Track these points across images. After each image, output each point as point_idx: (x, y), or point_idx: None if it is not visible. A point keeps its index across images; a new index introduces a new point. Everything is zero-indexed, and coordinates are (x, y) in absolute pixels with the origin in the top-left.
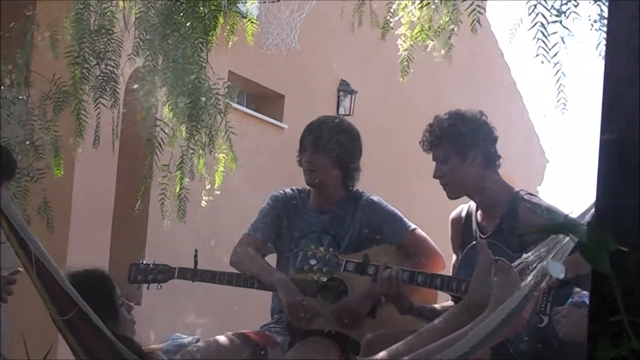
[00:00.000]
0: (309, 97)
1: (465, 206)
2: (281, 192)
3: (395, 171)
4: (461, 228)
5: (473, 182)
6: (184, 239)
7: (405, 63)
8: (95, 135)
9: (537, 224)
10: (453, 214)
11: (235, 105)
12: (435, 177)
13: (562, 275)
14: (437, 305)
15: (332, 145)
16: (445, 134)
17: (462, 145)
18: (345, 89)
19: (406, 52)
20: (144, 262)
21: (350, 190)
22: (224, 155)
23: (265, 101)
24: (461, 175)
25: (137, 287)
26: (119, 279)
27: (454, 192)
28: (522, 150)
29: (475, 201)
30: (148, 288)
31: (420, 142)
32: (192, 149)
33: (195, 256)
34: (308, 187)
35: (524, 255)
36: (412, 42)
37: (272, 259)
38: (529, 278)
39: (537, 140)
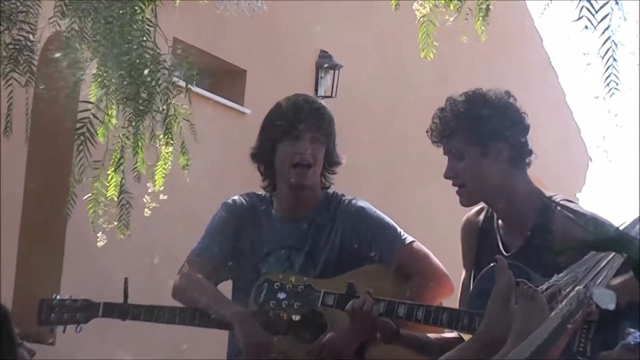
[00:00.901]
0: (279, 73)
1: (484, 208)
2: (236, 199)
3: (389, 169)
4: (476, 237)
5: (496, 184)
6: (116, 258)
7: (425, 34)
8: (7, 121)
9: (576, 238)
10: (467, 217)
11: (181, 82)
12: (446, 177)
13: (612, 306)
14: (432, 335)
15: (327, 133)
16: (462, 120)
17: (484, 136)
18: (326, 63)
19: (425, 20)
20: (58, 298)
21: (327, 193)
22: (169, 148)
23: (222, 78)
24: (481, 175)
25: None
26: (25, 311)
27: (469, 196)
28: (557, 145)
29: (496, 209)
30: (64, 331)
31: (427, 132)
32: (139, 140)
33: (126, 288)
34: (267, 193)
35: (555, 277)
36: (432, 5)
37: (227, 288)
38: (561, 306)
39: (576, 132)
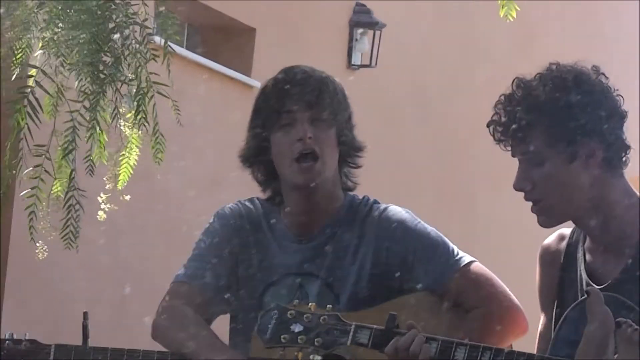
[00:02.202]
0: (298, 33)
1: (567, 231)
2: (234, 208)
3: (445, 167)
4: (559, 269)
5: (587, 196)
6: (75, 283)
7: None
8: None
9: None
10: (546, 244)
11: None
12: (518, 188)
13: None
14: None
15: (336, 109)
16: (540, 112)
17: (572, 133)
18: (363, 20)
19: None
20: None
21: (351, 199)
22: (139, 133)
23: (223, 40)
24: (568, 186)
25: None
26: None
27: (552, 214)
28: None
29: (587, 229)
30: None
31: (489, 126)
32: (93, 121)
33: (85, 325)
34: (272, 198)
35: None
36: None
37: (222, 326)
38: None
39: None
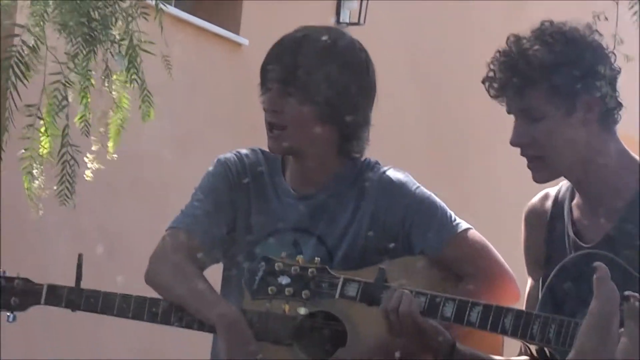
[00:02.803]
0: None
1: (552, 191)
2: (235, 155)
3: (439, 131)
4: (545, 230)
5: (583, 151)
6: (57, 240)
7: None
8: None
9: None
10: (530, 204)
11: (152, 2)
12: (516, 144)
13: None
14: (498, 358)
15: (319, 80)
16: (536, 67)
17: (571, 87)
18: None
19: None
20: None
21: (353, 161)
22: (126, 93)
23: None
24: (566, 141)
25: None
26: None
27: (547, 170)
28: None
29: (579, 185)
30: None
31: (484, 82)
32: (86, 81)
33: (79, 265)
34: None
35: None
36: None
37: (216, 275)
38: None
39: None
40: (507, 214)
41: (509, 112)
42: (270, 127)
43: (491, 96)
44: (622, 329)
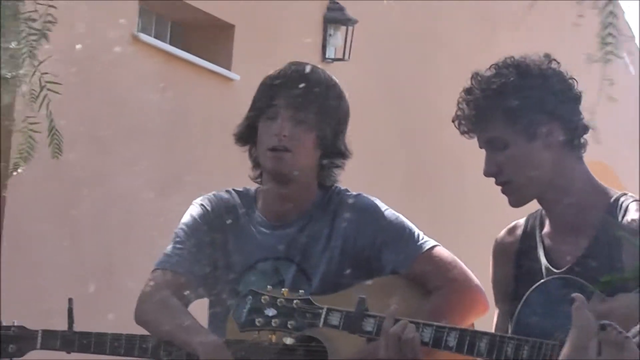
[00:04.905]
0: (276, 29)
1: (520, 222)
2: (210, 197)
3: (414, 155)
4: (513, 263)
5: (549, 174)
6: (39, 278)
7: None
8: None
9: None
10: (498, 238)
11: (149, 39)
12: (488, 174)
13: None
14: None
15: (324, 110)
16: (497, 99)
17: (528, 114)
18: (336, 17)
19: None
20: None
21: (325, 189)
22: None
23: (204, 35)
24: (531, 164)
25: None
26: None
27: (520, 193)
28: (631, 122)
29: (549, 208)
30: None
31: (454, 120)
32: None
33: (70, 309)
34: (253, 188)
35: None
36: None
37: (202, 311)
38: None
39: None
40: (479, 237)
41: (480, 147)
42: (275, 149)
43: (461, 133)
44: (600, 357)
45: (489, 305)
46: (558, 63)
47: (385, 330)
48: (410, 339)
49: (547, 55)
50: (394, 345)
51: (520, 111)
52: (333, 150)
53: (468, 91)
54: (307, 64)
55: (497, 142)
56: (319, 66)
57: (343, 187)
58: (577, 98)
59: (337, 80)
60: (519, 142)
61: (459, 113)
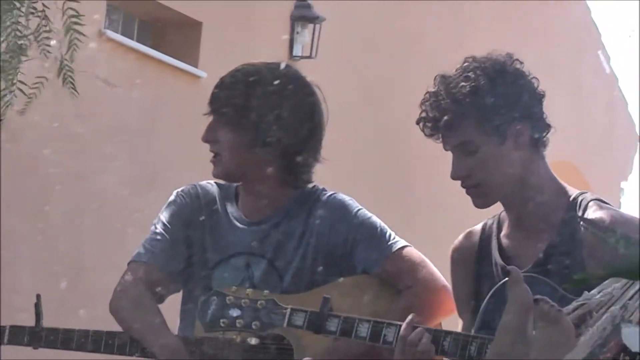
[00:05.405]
0: (243, 26)
1: (477, 228)
2: (190, 188)
3: (385, 155)
4: (473, 265)
5: (517, 176)
6: (13, 275)
7: None
8: None
9: (607, 258)
10: (455, 245)
11: (118, 37)
12: (454, 177)
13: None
14: None
15: (246, 108)
16: (466, 103)
17: (498, 117)
18: (304, 14)
19: None
20: None
21: (302, 189)
22: None
23: (171, 33)
24: (501, 168)
25: None
26: None
27: (488, 196)
28: (598, 122)
29: (512, 209)
30: None
31: (418, 123)
32: None
33: (38, 305)
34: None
35: (585, 295)
36: None
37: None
38: (592, 331)
39: (623, 105)
40: (450, 237)
41: (445, 149)
42: (212, 154)
43: (426, 135)
44: (535, 330)
45: (455, 306)
46: (521, 63)
47: (403, 337)
48: (427, 348)
49: (509, 55)
50: (409, 352)
51: (492, 115)
52: (293, 154)
53: (434, 94)
54: (253, 63)
55: (467, 146)
56: (287, 63)
57: (321, 187)
58: (541, 97)
59: (288, 77)
60: (490, 145)
61: (423, 115)
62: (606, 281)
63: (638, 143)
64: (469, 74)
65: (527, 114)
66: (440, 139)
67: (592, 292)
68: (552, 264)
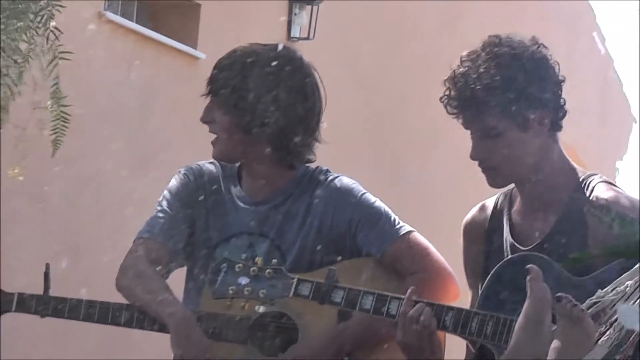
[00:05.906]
0: (242, 8)
1: (489, 201)
2: (195, 167)
3: (380, 138)
4: (483, 239)
5: (533, 159)
6: (15, 255)
7: None
8: None
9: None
10: (468, 218)
11: (117, 18)
12: (474, 158)
13: (638, 326)
14: None
15: (238, 90)
16: (495, 88)
17: (525, 104)
18: None
19: None
20: None
21: (305, 168)
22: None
23: (170, 14)
24: (522, 154)
25: None
26: None
27: (502, 177)
28: (593, 102)
29: (524, 190)
30: None
31: (441, 100)
32: None
33: (47, 273)
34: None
35: (600, 292)
36: None
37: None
38: (610, 332)
39: (618, 86)
40: (442, 222)
41: (466, 128)
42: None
43: (449, 113)
44: (555, 328)
45: (459, 292)
46: (546, 48)
47: (404, 313)
48: (428, 323)
49: (534, 39)
50: (410, 327)
51: (519, 103)
52: (290, 135)
53: (463, 75)
54: (265, 45)
55: (491, 130)
56: (285, 45)
57: (325, 168)
58: (561, 83)
59: (285, 58)
60: (513, 131)
61: (448, 93)
62: (620, 278)
63: (633, 124)
64: (500, 60)
65: (550, 101)
66: (462, 119)
67: (606, 289)
68: (558, 242)
